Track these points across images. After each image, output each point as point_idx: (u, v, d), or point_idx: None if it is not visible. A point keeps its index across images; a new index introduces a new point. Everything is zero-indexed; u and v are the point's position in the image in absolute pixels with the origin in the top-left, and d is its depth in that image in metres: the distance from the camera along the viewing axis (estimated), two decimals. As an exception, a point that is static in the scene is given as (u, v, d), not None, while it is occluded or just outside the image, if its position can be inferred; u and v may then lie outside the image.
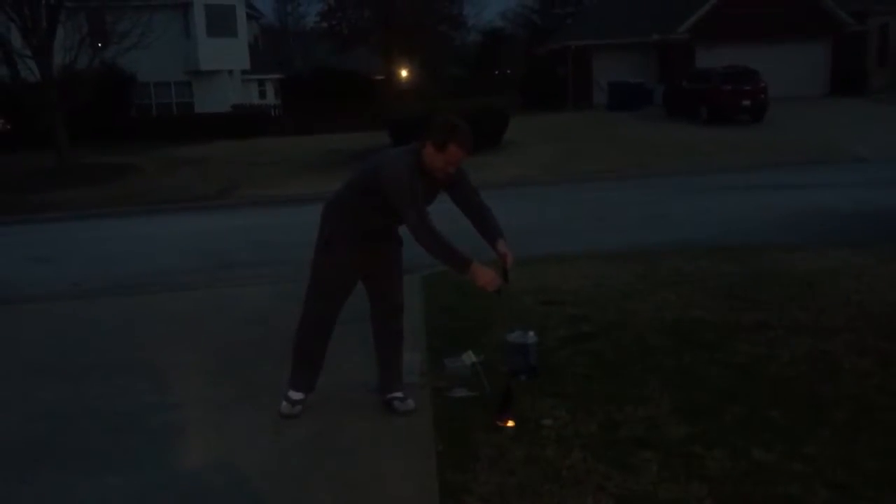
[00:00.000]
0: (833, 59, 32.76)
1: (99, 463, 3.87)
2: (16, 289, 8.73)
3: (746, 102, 24.65)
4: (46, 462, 3.90)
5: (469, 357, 4.55)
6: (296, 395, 4.33)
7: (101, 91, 25.05)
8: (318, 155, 23.00)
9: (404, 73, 38.97)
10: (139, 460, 3.88)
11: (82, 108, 22.93)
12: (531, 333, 4.72)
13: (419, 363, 4.82)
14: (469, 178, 4.24)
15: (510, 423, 3.96)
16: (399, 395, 4.30)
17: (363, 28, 37.85)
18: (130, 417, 4.41)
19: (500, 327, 5.30)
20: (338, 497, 3.43)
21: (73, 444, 4.12)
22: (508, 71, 45.38)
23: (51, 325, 6.78)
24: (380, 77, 36.41)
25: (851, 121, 23.97)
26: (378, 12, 35.54)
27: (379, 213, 4.02)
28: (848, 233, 9.22)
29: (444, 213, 4.31)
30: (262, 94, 40.27)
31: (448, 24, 40.35)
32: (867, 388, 4.28)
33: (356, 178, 4.19)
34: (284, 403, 4.31)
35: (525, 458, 3.64)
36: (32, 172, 21.35)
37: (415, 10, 35.44)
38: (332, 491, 3.47)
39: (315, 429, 4.11)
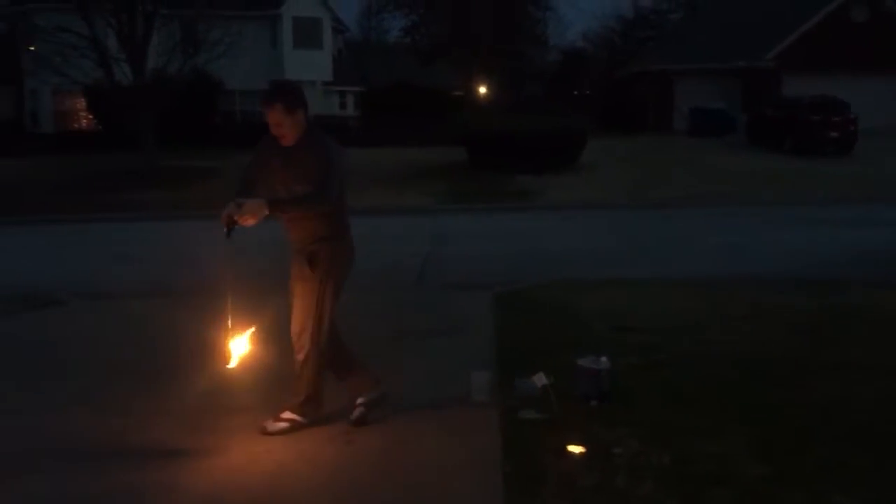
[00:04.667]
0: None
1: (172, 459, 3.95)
2: (101, 286, 9.02)
3: (834, 134, 23.96)
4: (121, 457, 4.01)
5: (540, 379, 4.51)
6: (361, 399, 4.34)
7: (189, 97, 25.84)
8: (394, 168, 23.22)
9: (483, 90, 39.13)
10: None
11: (170, 113, 23.68)
12: (604, 359, 4.66)
13: (488, 382, 4.80)
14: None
15: (580, 450, 3.90)
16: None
17: (444, 44, 38.17)
18: (201, 417, 4.50)
19: (571, 350, 5.25)
20: (403, 511, 3.43)
21: (149, 440, 4.22)
22: (587, 92, 45.12)
23: (130, 323, 6.99)
24: (458, 93, 36.65)
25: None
26: (460, 29, 35.81)
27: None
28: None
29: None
30: (343, 106, 40.91)
31: (529, 42, 40.38)
32: (957, 438, 4.08)
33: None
34: (284, 426, 4.24)
35: (594, 486, 3.58)
36: (121, 173, 22.09)
37: (497, 29, 35.59)
38: (397, 505, 3.48)
39: (383, 443, 4.12)
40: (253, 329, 4.19)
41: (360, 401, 4.37)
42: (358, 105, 37.60)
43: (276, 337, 4.62)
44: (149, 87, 22.51)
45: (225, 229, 3.93)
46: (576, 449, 3.92)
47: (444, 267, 10.56)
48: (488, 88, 39.07)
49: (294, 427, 4.23)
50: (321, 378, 4.28)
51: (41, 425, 4.45)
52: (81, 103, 30.93)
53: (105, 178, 21.44)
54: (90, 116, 31.06)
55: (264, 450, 4.05)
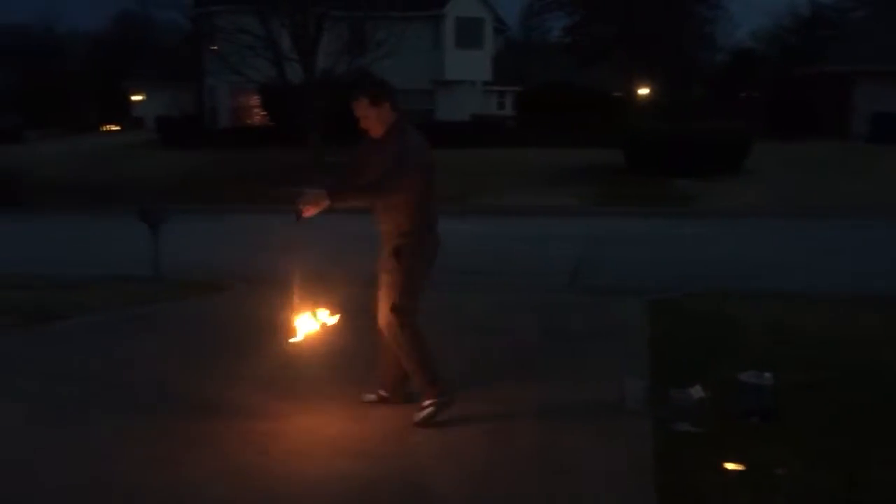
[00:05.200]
0: None
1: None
2: (266, 272, 9.49)
3: None
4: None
5: (697, 391, 4.35)
6: (443, 399, 4.34)
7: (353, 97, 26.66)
8: (549, 169, 23.10)
9: (644, 92, 38.23)
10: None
11: (335, 111, 24.57)
12: (767, 374, 4.43)
13: (643, 390, 4.68)
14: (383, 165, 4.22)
15: (739, 468, 3.73)
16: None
17: (606, 44, 37.56)
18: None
19: (729, 363, 5.04)
20: (550, 515, 3.40)
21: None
22: (756, 94, 43.05)
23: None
24: (618, 94, 35.96)
25: None
26: (624, 29, 35.13)
27: None
28: None
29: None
30: (501, 106, 41.08)
31: (696, 43, 39.03)
32: None
33: None
34: (424, 414, 4.30)
35: (752, 506, 3.42)
36: (287, 167, 23.19)
37: (663, 28, 34.64)
38: (543, 509, 3.45)
39: (530, 445, 4.10)
40: (322, 308, 4.32)
41: (426, 403, 4.35)
42: (516, 105, 37.64)
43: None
44: (317, 86, 23.47)
45: (295, 216, 4.09)
46: (734, 466, 3.75)
47: (597, 270, 10.41)
48: (650, 89, 38.12)
49: (438, 407, 4.30)
50: (429, 357, 4.35)
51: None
52: (255, 100, 32.65)
53: (273, 171, 22.56)
54: (263, 113, 32.75)
55: (418, 441, 4.13)
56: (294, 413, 4.51)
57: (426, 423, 4.27)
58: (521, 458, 3.93)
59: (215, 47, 27.32)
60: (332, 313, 4.37)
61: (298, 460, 3.88)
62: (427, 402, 4.33)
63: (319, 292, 4.50)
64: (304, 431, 4.28)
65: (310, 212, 4.10)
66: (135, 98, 48.04)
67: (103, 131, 44.98)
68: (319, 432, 4.27)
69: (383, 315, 4.34)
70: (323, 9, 23.42)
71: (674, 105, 34.21)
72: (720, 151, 21.03)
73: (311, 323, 4.29)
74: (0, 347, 6.02)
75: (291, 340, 4.29)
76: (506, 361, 5.61)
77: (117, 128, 45.89)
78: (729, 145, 21.39)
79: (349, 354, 5.33)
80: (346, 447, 4.05)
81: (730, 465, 3.76)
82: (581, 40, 38.08)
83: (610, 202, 18.93)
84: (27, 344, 6.15)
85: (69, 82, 51.41)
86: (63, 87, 50.35)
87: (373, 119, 4.28)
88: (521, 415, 4.46)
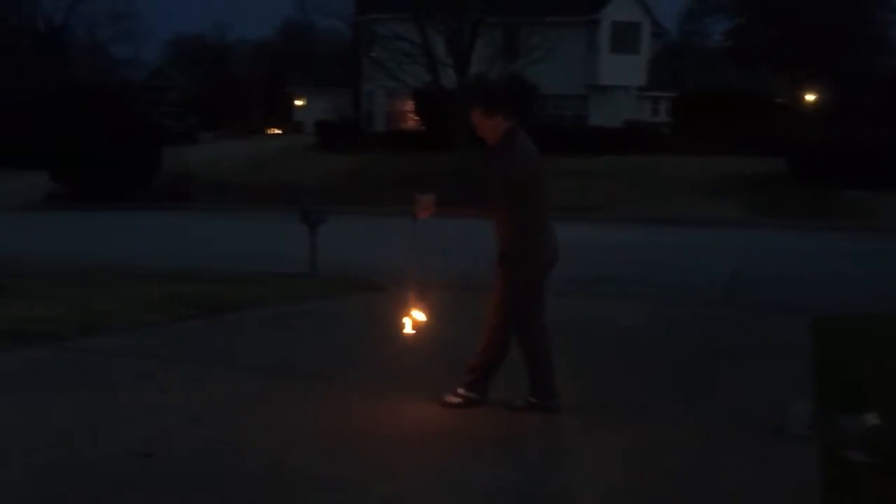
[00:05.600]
0: None
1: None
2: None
3: None
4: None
5: (871, 418, 4.06)
6: (471, 399, 4.53)
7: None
8: (705, 177, 22.33)
9: (810, 98, 36.23)
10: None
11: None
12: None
13: (809, 414, 4.42)
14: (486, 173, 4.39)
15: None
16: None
17: (770, 48, 35.86)
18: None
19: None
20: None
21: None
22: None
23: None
24: (780, 100, 34.26)
25: None
26: (791, 31, 33.44)
27: None
28: None
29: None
30: (655, 112, 40.08)
31: (870, 46, 36.59)
32: None
33: None
34: (457, 400, 4.54)
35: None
36: (437, 171, 23.58)
37: (834, 32, 32.72)
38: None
39: (685, 464, 3.95)
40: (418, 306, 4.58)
41: (531, 399, 4.55)
42: (671, 111, 36.63)
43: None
44: (470, 92, 23.77)
45: (412, 219, 4.39)
46: (912, 502, 3.48)
47: (755, 285, 9.95)
48: (816, 95, 36.07)
49: (464, 405, 4.54)
50: (495, 363, 4.52)
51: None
52: (409, 105, 33.42)
53: (424, 175, 23.00)
54: (416, 118, 33.49)
55: (569, 449, 4.08)
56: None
57: (445, 405, 4.56)
58: (674, 478, 3.80)
59: (373, 54, 28.21)
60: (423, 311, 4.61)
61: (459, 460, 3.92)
62: (463, 392, 4.57)
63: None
64: (453, 432, 4.32)
65: (423, 214, 4.35)
66: (297, 103, 50.31)
67: (268, 134, 47.36)
68: (465, 432, 4.30)
69: (491, 317, 4.51)
70: (478, 15, 23.69)
71: (843, 111, 32.23)
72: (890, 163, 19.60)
73: (417, 316, 4.57)
74: (185, 337, 6.43)
75: (406, 332, 4.57)
76: (661, 375, 5.46)
77: (278, 131, 48.20)
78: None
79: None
80: (488, 448, 4.06)
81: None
82: (743, 44, 36.50)
83: (771, 213, 18.08)
84: (208, 334, 6.55)
85: (238, 88, 54.57)
86: (233, 93, 53.50)
87: (487, 128, 4.40)
88: (677, 431, 4.32)
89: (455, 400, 4.60)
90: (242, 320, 7.03)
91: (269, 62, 57.81)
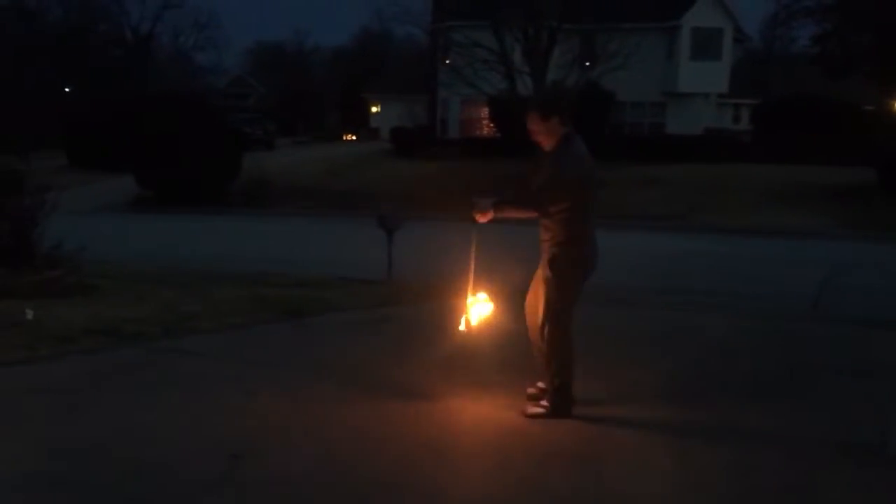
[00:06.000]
0: None
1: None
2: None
3: None
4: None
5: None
6: (559, 412, 4.54)
7: (582, 109, 26.55)
8: (788, 187, 21.66)
9: (900, 105, 34.83)
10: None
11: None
12: None
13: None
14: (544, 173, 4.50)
15: None
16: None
17: (860, 54, 34.64)
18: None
19: None
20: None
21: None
22: None
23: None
24: (869, 108, 33.04)
25: None
26: (884, 37, 32.24)
27: None
28: None
29: None
30: (737, 119, 39.21)
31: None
32: None
33: None
34: (540, 410, 4.57)
35: None
36: (511, 178, 23.48)
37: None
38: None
39: (779, 482, 3.81)
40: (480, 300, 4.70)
41: (546, 404, 4.60)
42: (752, 119, 35.75)
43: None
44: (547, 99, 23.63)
45: (471, 219, 4.56)
46: None
47: (843, 298, 9.57)
48: (907, 103, 34.65)
49: (549, 416, 4.54)
50: (570, 365, 4.55)
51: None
52: (484, 112, 33.44)
53: (498, 182, 22.93)
54: (491, 125, 33.46)
55: (655, 462, 3.98)
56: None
57: (532, 417, 4.56)
58: (767, 496, 3.66)
59: (450, 61, 28.33)
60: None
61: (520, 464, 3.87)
62: (547, 405, 4.58)
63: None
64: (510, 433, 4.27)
65: (483, 218, 4.51)
66: (373, 109, 50.91)
67: (344, 140, 48.04)
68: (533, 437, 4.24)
69: (537, 319, 4.59)
70: (555, 22, 23.55)
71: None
72: None
73: (476, 314, 4.69)
74: (268, 340, 6.54)
75: (461, 329, 4.67)
76: (752, 390, 5.29)
77: (354, 137, 48.84)
78: None
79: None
80: (555, 454, 3.98)
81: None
82: (832, 50, 35.33)
83: (859, 224, 17.42)
84: (290, 338, 6.63)
85: (315, 94, 55.55)
86: (310, 99, 54.49)
87: (543, 133, 4.54)
88: (769, 448, 4.18)
89: (539, 411, 4.61)
90: (323, 325, 7.10)
91: (345, 69, 58.72)
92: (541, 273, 4.63)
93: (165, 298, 7.75)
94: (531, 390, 4.83)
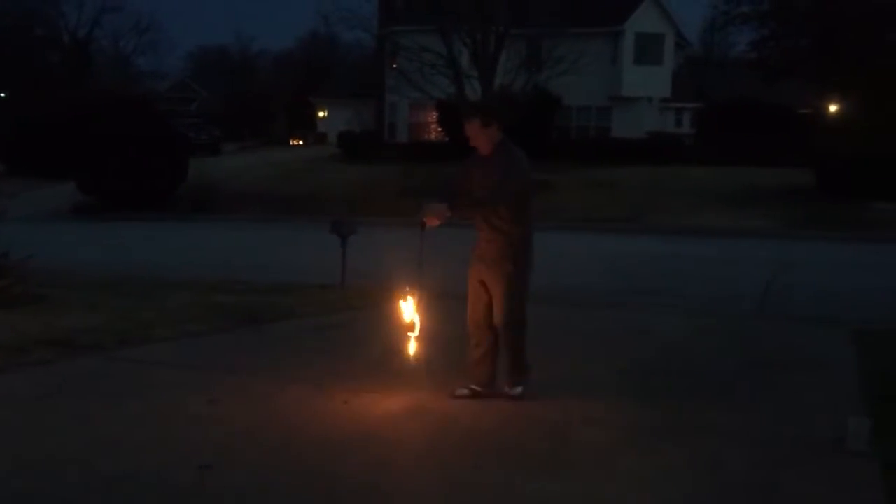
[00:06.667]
0: None
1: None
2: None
3: None
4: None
5: (932, 435, 4.01)
6: (529, 382, 4.93)
7: (529, 112, 26.79)
8: (732, 188, 22.19)
9: (834, 108, 35.93)
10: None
11: (511, 128, 24.78)
12: None
13: (868, 430, 4.36)
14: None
15: None
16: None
17: (796, 59, 35.64)
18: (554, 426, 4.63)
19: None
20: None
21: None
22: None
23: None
24: (805, 111, 34.02)
25: None
26: (818, 43, 33.23)
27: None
28: None
29: None
30: (679, 123, 39.97)
31: (897, 57, 36.24)
32: None
33: None
34: (519, 389, 4.89)
35: None
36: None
37: (864, 42, 32.45)
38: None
39: (743, 480, 3.89)
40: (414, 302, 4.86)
41: (519, 383, 4.92)
42: (694, 122, 36.51)
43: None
44: (494, 103, 23.82)
45: (419, 225, 4.69)
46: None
47: (788, 297, 9.85)
48: (843, 106, 35.75)
49: (528, 387, 4.93)
50: (525, 348, 4.91)
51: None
52: (432, 116, 33.48)
53: (446, 185, 22.99)
54: (439, 129, 33.54)
55: (616, 461, 4.06)
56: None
57: (516, 399, 4.86)
58: (735, 495, 3.75)
59: (398, 65, 28.33)
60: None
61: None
62: (520, 384, 4.89)
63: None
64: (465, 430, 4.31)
65: (433, 222, 4.68)
66: (320, 114, 50.57)
67: (291, 145, 47.60)
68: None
69: (498, 317, 4.81)
70: (503, 27, 23.75)
71: (870, 122, 31.96)
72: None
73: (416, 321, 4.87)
74: (226, 347, 6.47)
75: (411, 335, 4.86)
76: (706, 387, 5.41)
77: (301, 142, 48.43)
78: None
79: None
80: (539, 461, 4.04)
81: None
82: (769, 55, 36.28)
83: (799, 225, 17.93)
84: (248, 344, 6.58)
85: (261, 99, 54.95)
86: (256, 104, 53.88)
87: (483, 138, 4.79)
88: (732, 446, 4.27)
89: (521, 390, 4.90)
90: (281, 331, 7.05)
91: (292, 73, 58.24)
92: (488, 274, 4.83)
93: (119, 307, 7.62)
94: (463, 391, 4.98)
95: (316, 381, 5.36)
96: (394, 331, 5.15)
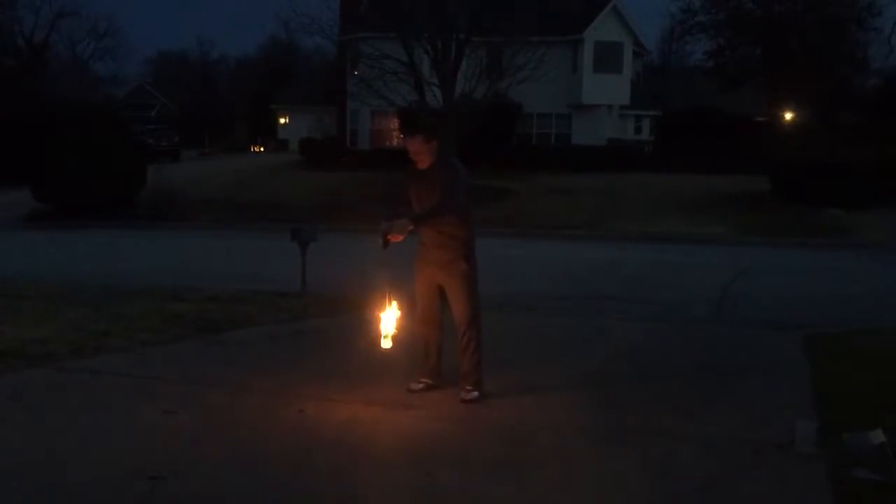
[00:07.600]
0: None
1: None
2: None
3: None
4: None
5: (878, 436, 4.09)
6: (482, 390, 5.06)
7: (490, 120, 26.94)
8: (689, 195, 22.51)
9: (789, 116, 36.70)
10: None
11: (472, 135, 24.87)
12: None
13: (815, 432, 4.46)
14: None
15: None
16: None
17: (751, 68, 36.35)
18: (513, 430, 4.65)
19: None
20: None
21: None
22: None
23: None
24: (761, 119, 34.69)
25: None
26: (772, 52, 33.94)
27: None
28: None
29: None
30: (638, 130, 40.47)
31: (849, 66, 37.14)
32: None
33: None
34: (476, 394, 5.02)
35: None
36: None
37: (813, 51, 33.21)
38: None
39: (697, 483, 3.94)
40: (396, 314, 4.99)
41: (474, 389, 5.06)
42: (653, 129, 37.01)
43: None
44: (456, 111, 23.86)
45: (381, 243, 4.81)
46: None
47: (744, 302, 10.02)
48: (796, 115, 36.55)
49: (481, 396, 5.07)
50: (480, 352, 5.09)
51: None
52: (394, 123, 33.38)
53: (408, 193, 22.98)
54: (401, 136, 33.49)
55: (575, 464, 4.08)
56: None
57: (469, 402, 4.98)
58: (687, 498, 3.80)
59: (359, 72, 28.27)
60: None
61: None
62: (475, 390, 5.03)
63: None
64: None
65: (396, 238, 4.80)
66: (281, 121, 50.30)
67: (253, 152, 47.25)
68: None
69: (461, 315, 5.02)
70: (464, 35, 23.83)
71: (823, 130, 32.68)
72: (879, 180, 19.79)
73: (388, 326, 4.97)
74: (182, 357, 6.37)
75: (384, 345, 4.97)
76: (661, 393, 5.46)
77: (262, 149, 48.12)
78: (889, 174, 20.11)
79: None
80: (491, 467, 4.05)
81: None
82: (724, 64, 36.98)
83: (755, 231, 18.24)
84: (204, 354, 6.49)
85: (221, 105, 54.50)
86: (216, 110, 53.42)
87: (425, 153, 4.98)
88: (684, 451, 4.32)
89: (475, 396, 5.03)
90: (239, 340, 6.98)
91: (253, 80, 57.84)
92: (443, 276, 5.04)
93: (71, 317, 7.48)
94: (418, 385, 5.19)
95: (272, 391, 5.32)
96: (354, 339, 5.16)
